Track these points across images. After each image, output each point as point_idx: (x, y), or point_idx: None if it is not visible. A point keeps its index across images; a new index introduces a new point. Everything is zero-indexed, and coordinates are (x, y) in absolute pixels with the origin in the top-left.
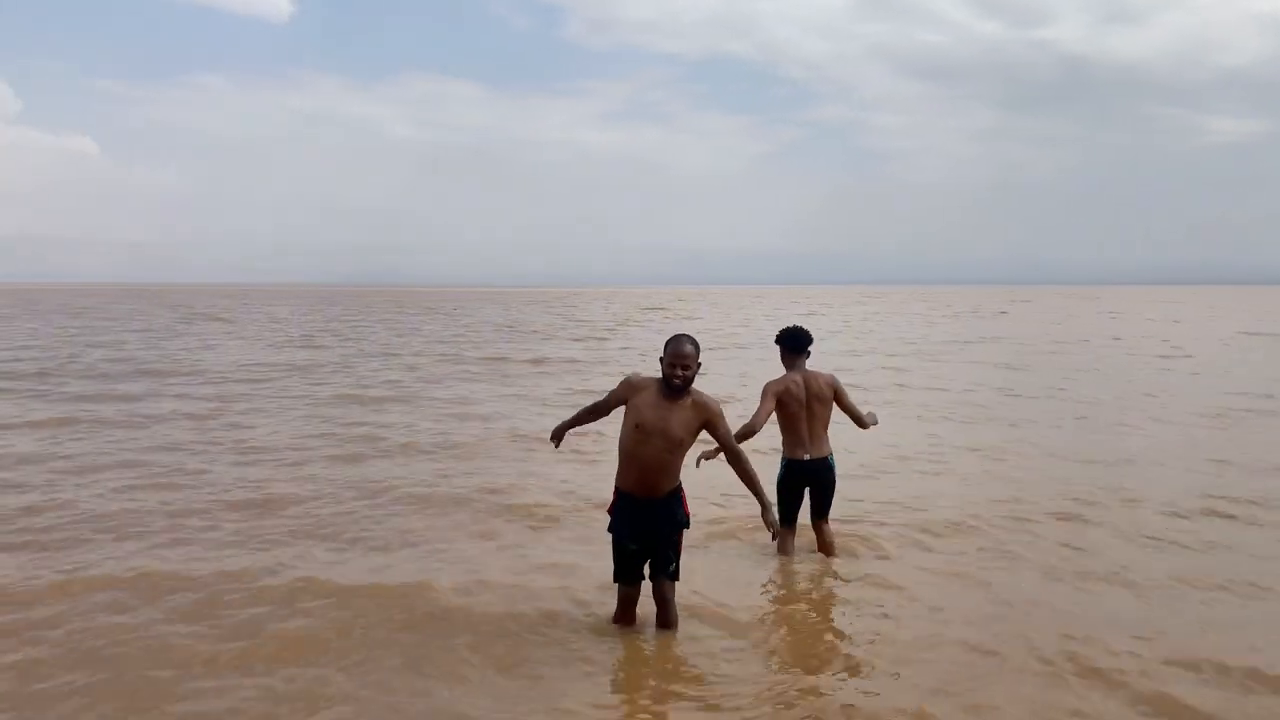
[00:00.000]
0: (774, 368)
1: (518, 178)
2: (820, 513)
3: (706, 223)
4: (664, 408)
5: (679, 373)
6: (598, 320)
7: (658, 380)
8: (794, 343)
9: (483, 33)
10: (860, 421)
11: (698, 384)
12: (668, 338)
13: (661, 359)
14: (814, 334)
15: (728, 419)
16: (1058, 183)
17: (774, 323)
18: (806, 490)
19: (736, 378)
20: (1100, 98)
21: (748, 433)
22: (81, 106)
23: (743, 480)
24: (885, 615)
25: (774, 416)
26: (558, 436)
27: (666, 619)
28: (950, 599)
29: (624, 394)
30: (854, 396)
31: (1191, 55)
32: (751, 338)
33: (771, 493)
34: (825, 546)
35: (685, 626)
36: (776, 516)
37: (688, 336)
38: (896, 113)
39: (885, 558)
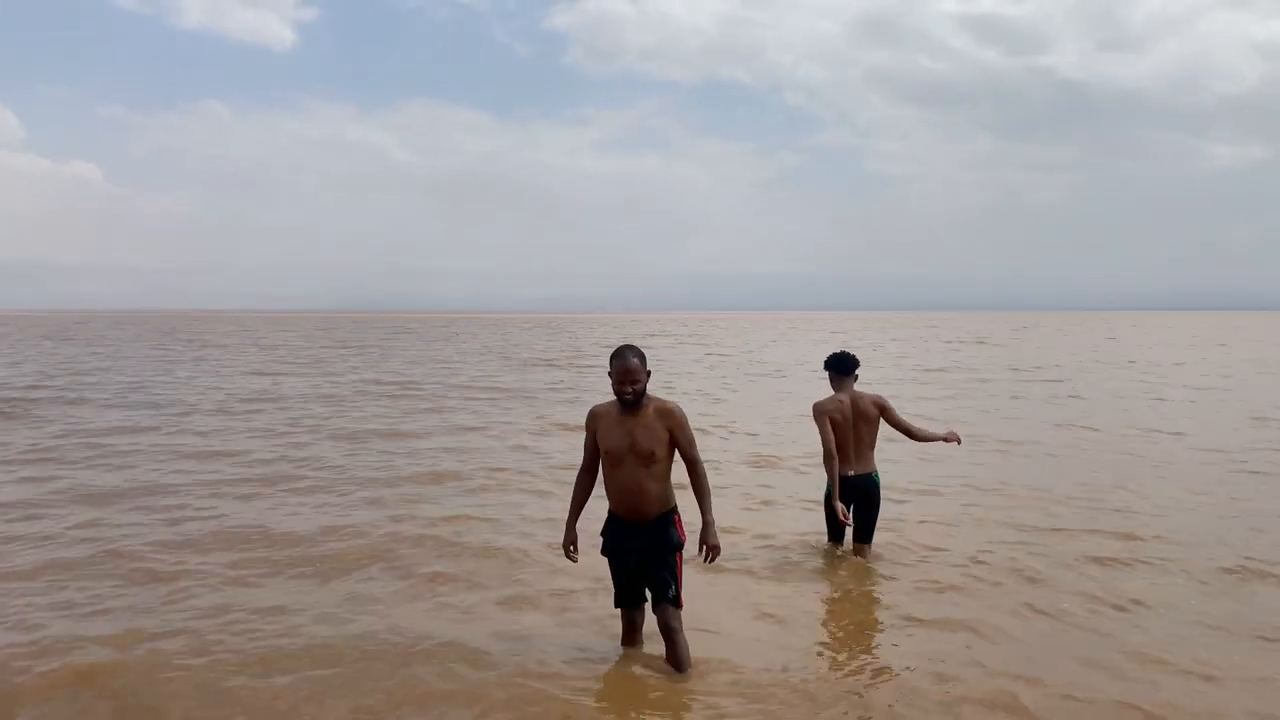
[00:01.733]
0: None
1: (521, 204)
2: (863, 536)
3: (707, 249)
4: (625, 425)
5: (628, 389)
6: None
7: (615, 401)
8: (841, 366)
9: (486, 61)
10: (912, 434)
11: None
12: (610, 353)
13: (610, 374)
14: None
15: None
16: (1056, 208)
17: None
18: (853, 506)
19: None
20: (1099, 124)
21: (829, 457)
22: (85, 133)
23: (695, 492)
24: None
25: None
26: (571, 543)
27: (676, 655)
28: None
29: (591, 427)
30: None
31: (1190, 81)
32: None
33: (795, 511)
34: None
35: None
36: (717, 539)
37: (631, 348)
38: (896, 139)
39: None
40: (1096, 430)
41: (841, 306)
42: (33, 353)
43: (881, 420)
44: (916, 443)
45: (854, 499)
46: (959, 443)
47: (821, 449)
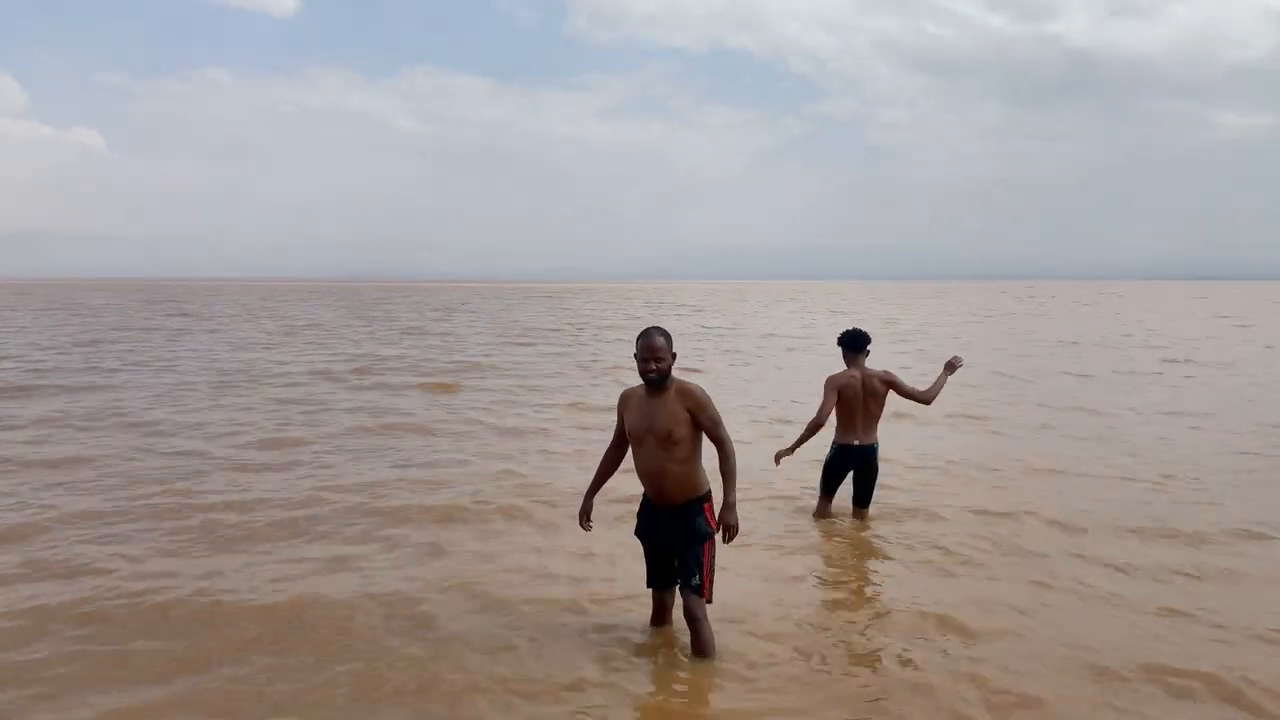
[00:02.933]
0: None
1: (524, 172)
2: (862, 501)
3: (712, 218)
4: (648, 405)
5: (652, 366)
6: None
7: (643, 384)
8: (854, 343)
9: (489, 27)
10: (922, 398)
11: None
12: (637, 334)
13: (635, 355)
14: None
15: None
16: (1064, 177)
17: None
18: (851, 474)
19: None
20: (1108, 92)
21: (815, 425)
22: (87, 100)
23: (721, 471)
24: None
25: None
26: (585, 513)
27: (700, 643)
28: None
29: (620, 410)
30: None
31: (1200, 49)
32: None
33: (793, 477)
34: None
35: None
36: (737, 520)
37: (658, 329)
38: (903, 107)
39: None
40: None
41: (846, 276)
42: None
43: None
44: (931, 406)
45: (856, 466)
46: (959, 364)
47: (825, 403)
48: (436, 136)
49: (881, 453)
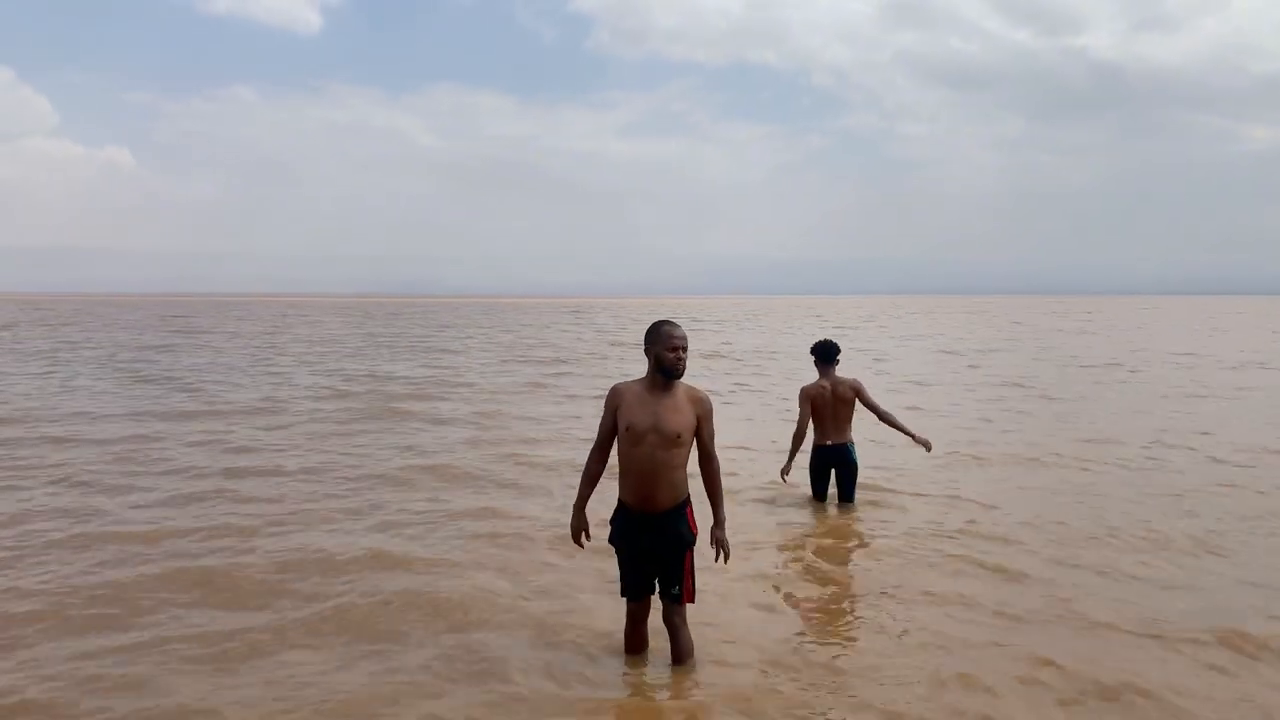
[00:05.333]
0: None
1: (545, 188)
2: (846, 496)
3: (733, 232)
4: (654, 402)
5: (681, 355)
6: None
7: (644, 378)
8: (826, 354)
9: (511, 44)
10: (887, 419)
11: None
12: (650, 326)
13: (648, 349)
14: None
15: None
16: (1087, 192)
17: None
18: (834, 471)
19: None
20: (1133, 105)
21: (798, 436)
22: (117, 119)
23: (707, 487)
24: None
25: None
26: (579, 529)
27: (678, 651)
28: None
29: (613, 403)
30: None
31: (1227, 62)
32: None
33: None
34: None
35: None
36: (726, 536)
37: (675, 321)
38: (925, 121)
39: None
40: None
41: (868, 291)
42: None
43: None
44: (894, 429)
45: (833, 464)
46: (928, 449)
47: (801, 415)
48: (459, 153)
49: None
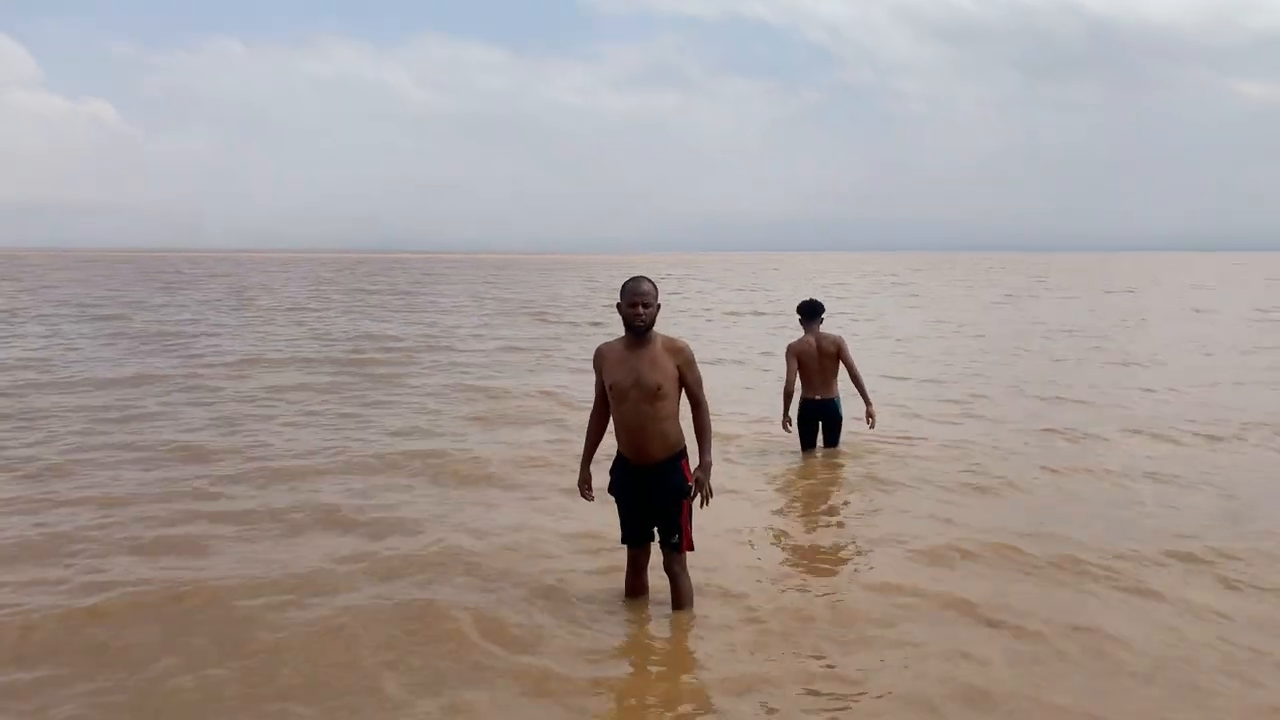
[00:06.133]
0: None
1: (537, 142)
2: (832, 442)
3: (727, 188)
4: (631, 358)
5: (640, 311)
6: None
7: (622, 336)
8: (810, 312)
9: None
10: (856, 380)
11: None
12: (623, 282)
13: (619, 305)
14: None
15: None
16: (1082, 148)
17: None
18: (820, 424)
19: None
20: (1128, 61)
21: (788, 391)
22: (99, 72)
23: (696, 431)
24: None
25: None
26: (585, 483)
27: (678, 598)
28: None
29: (597, 364)
30: None
31: (1222, 16)
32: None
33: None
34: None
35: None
36: (708, 480)
37: (645, 276)
38: (920, 77)
39: None
40: None
41: (864, 248)
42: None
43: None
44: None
45: (821, 416)
46: (871, 424)
47: (789, 370)
48: (449, 106)
49: None
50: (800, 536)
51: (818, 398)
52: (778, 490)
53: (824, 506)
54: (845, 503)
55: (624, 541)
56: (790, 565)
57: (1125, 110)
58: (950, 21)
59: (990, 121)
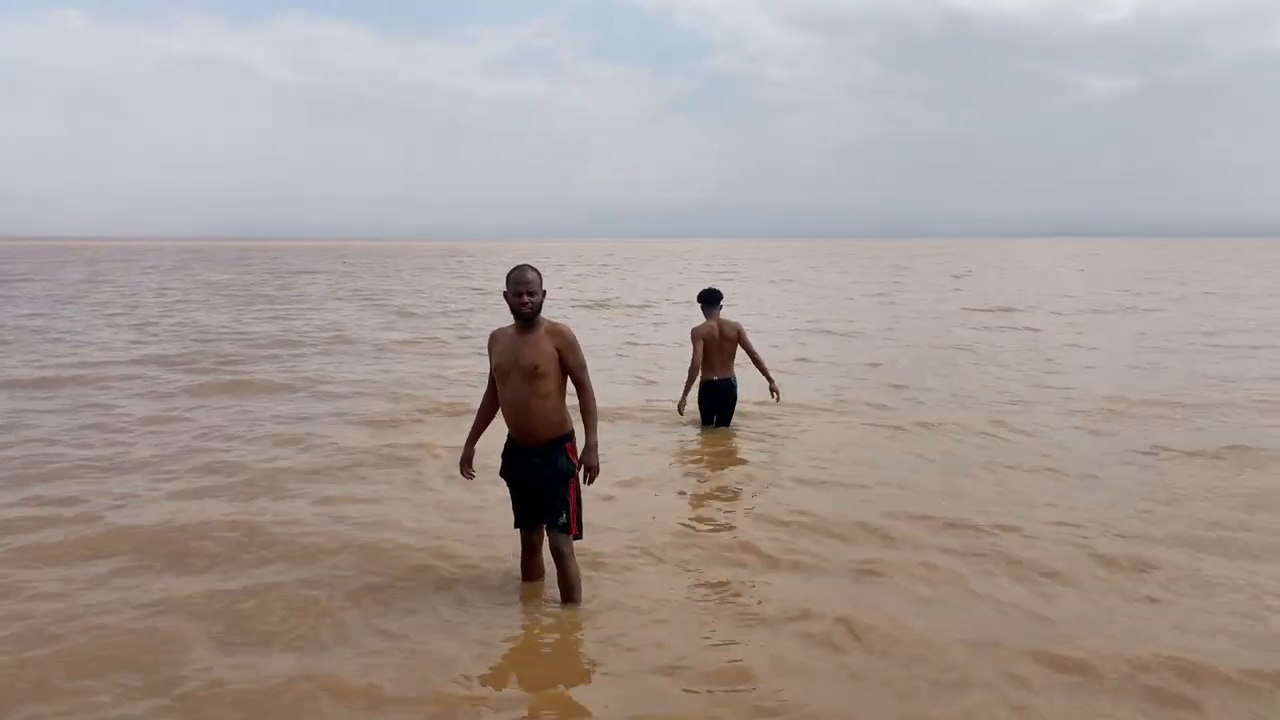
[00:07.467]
0: None
1: (405, 126)
2: (725, 421)
3: (602, 175)
4: (516, 342)
5: (525, 299)
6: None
7: (513, 324)
8: (711, 299)
9: None
10: (758, 361)
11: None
12: (508, 271)
13: (505, 294)
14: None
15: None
16: (939, 138)
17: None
18: (718, 402)
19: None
20: (982, 53)
21: (692, 370)
22: None
23: (581, 412)
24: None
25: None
26: (466, 461)
27: (565, 582)
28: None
29: (489, 347)
30: None
31: (1066, 11)
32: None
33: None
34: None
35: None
36: (598, 461)
37: (528, 265)
38: (786, 66)
39: None
40: None
41: (737, 235)
42: None
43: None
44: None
45: (718, 395)
46: (776, 398)
47: (695, 353)
48: (312, 88)
49: None
50: (695, 513)
51: (716, 378)
52: (674, 468)
53: (715, 485)
54: (738, 482)
55: (516, 525)
56: (684, 542)
57: (979, 101)
58: (811, 10)
59: (854, 112)
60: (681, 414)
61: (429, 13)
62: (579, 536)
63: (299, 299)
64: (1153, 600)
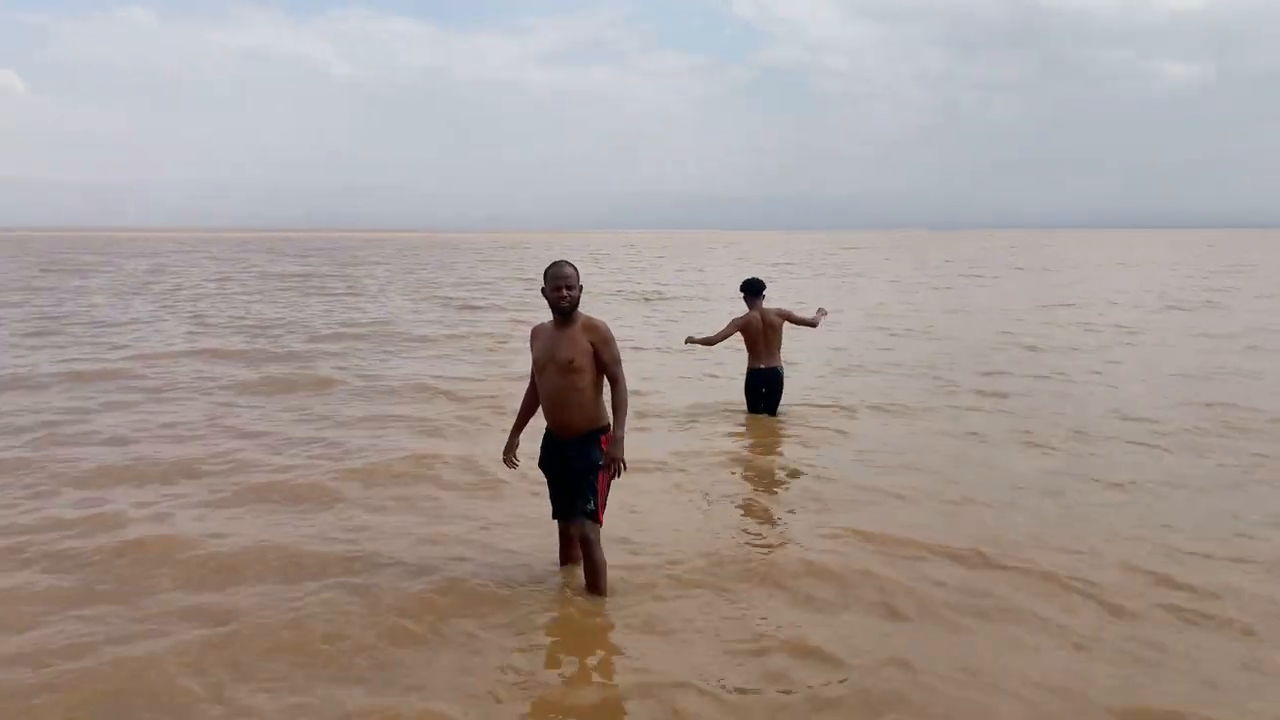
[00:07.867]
0: None
1: (464, 118)
2: (772, 409)
3: (657, 167)
4: (554, 337)
5: (564, 293)
6: None
7: (552, 318)
8: (753, 289)
9: None
10: (809, 323)
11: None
12: (545, 267)
13: (543, 290)
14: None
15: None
16: (1005, 127)
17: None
18: (764, 390)
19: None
20: (1049, 42)
21: (707, 341)
22: (4, 41)
23: (613, 406)
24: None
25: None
26: (510, 450)
27: (590, 570)
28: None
29: (531, 343)
30: None
31: None
32: None
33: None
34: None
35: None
36: (623, 455)
37: (565, 260)
38: (846, 55)
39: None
40: None
41: (794, 226)
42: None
43: (786, 323)
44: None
45: (766, 384)
46: (824, 314)
47: (724, 332)
48: (373, 81)
49: None
50: (738, 505)
51: (761, 366)
52: (715, 461)
53: (760, 478)
54: (784, 476)
55: (554, 516)
56: (724, 534)
57: (1047, 89)
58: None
59: (918, 101)
60: (685, 342)
61: (486, 5)
62: (600, 523)
63: (357, 291)
64: None
